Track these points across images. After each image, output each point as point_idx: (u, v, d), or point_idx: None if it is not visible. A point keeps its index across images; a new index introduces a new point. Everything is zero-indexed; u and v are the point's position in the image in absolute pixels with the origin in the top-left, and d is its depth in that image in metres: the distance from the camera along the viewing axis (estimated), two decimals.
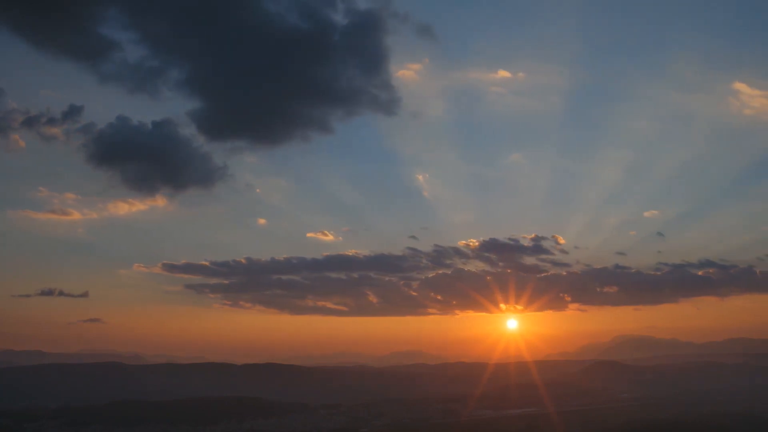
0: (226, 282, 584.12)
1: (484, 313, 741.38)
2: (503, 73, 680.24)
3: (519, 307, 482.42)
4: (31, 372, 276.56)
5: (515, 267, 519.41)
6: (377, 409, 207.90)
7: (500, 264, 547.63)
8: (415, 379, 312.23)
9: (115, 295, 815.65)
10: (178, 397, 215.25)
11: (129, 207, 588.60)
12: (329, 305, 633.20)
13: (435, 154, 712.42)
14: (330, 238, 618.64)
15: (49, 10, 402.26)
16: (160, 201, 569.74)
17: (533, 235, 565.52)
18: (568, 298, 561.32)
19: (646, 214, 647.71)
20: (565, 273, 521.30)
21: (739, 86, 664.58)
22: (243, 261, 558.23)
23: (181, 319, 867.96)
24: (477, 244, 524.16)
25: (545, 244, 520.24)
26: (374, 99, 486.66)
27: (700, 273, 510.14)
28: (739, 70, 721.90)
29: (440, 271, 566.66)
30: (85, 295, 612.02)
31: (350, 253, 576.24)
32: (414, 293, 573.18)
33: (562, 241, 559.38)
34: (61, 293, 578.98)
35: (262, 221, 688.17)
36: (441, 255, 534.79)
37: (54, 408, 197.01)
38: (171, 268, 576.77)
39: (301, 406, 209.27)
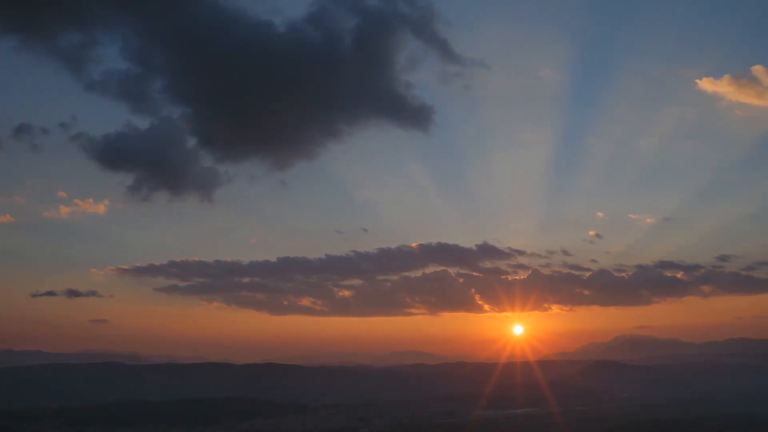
0: (185, 283, 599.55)
1: (470, 314, 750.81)
2: None
3: (502, 308, 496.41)
4: (31, 372, 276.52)
5: (477, 270, 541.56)
6: (377, 409, 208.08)
7: (456, 267, 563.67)
8: (415, 379, 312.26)
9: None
10: (178, 397, 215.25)
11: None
12: (307, 305, 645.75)
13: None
14: (254, 241, 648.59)
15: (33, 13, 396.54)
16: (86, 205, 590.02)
17: (480, 239, 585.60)
18: (551, 299, 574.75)
19: (570, 217, 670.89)
20: (524, 276, 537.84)
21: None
22: (187, 261, 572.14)
23: (153, 318, 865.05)
24: (416, 246, 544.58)
25: (496, 246, 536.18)
26: None
27: (668, 274, 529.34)
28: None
29: (405, 274, 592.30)
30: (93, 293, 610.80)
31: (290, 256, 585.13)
32: (390, 295, 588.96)
33: (507, 244, 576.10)
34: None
35: (200, 225, 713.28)
36: (389, 258, 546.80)
37: (54, 408, 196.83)
38: (121, 271, 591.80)
39: (301, 406, 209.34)
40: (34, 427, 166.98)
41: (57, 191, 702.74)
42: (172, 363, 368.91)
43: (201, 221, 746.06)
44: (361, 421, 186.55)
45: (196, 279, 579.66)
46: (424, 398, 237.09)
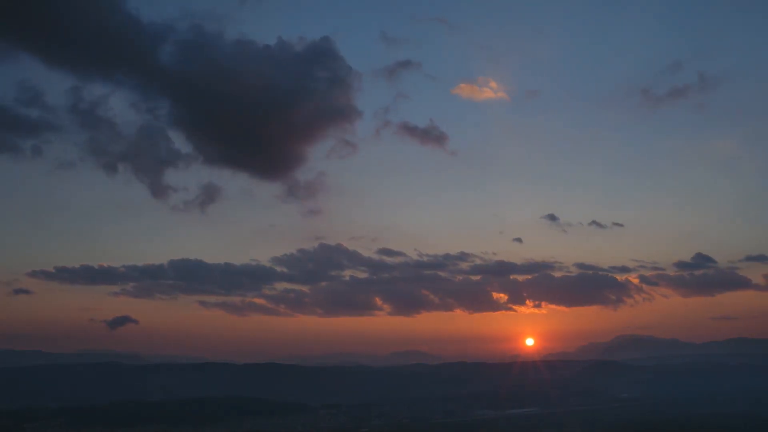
0: (177, 284, 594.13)
1: (446, 313, 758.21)
2: None
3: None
4: (31, 372, 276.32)
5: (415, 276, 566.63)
6: (377, 409, 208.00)
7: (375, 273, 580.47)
8: (415, 379, 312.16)
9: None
10: (178, 397, 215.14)
11: None
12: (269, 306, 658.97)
13: None
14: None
15: None
16: None
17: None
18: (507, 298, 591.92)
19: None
20: (459, 279, 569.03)
21: None
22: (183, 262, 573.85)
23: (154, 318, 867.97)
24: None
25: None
26: None
27: (619, 278, 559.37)
28: None
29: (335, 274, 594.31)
30: None
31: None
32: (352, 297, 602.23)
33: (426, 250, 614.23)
34: None
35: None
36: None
37: (54, 408, 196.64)
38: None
39: (301, 406, 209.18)
40: (34, 427, 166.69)
41: None
42: (172, 363, 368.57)
43: (196, 226, 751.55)
44: (361, 421, 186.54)
45: (186, 280, 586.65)
46: (424, 398, 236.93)
